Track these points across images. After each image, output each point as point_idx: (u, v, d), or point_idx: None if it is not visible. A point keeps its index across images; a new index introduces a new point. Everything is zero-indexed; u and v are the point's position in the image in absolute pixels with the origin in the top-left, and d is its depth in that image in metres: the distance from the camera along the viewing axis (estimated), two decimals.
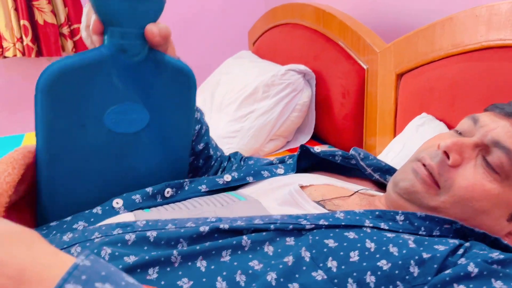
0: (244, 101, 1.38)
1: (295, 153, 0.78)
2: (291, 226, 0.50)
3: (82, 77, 0.50)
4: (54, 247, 0.34)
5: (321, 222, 0.51)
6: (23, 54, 1.88)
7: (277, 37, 1.68)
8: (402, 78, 1.08)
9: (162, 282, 0.43)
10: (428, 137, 0.83)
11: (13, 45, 1.86)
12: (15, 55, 1.87)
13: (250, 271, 0.46)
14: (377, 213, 0.54)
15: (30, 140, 1.68)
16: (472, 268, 0.46)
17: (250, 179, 0.68)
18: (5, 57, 1.89)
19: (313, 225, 0.50)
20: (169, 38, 0.55)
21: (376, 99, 1.18)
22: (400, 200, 0.60)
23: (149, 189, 0.58)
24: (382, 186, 0.77)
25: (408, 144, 0.90)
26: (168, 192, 0.60)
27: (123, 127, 0.55)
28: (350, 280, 0.46)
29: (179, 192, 0.61)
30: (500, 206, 0.58)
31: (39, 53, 1.91)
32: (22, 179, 0.51)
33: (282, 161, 0.77)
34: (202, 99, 1.58)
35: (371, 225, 0.52)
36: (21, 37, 1.85)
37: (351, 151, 0.75)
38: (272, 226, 0.49)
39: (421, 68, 1.01)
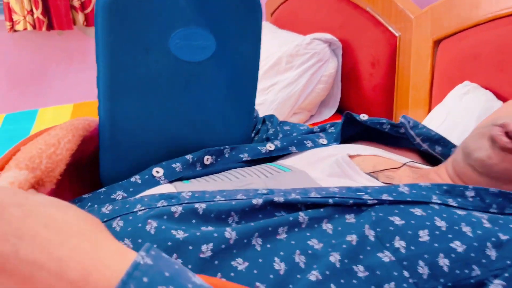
0: (266, 73, 1.32)
1: (338, 121, 0.72)
2: (351, 201, 0.45)
3: None
4: (119, 243, 0.30)
5: (384, 197, 0.46)
6: (34, 27, 1.82)
7: (297, 6, 1.61)
8: (439, 45, 1.01)
9: (216, 262, 0.38)
10: (475, 107, 0.77)
11: (23, 18, 1.80)
12: (25, 29, 1.82)
13: (310, 251, 0.41)
14: (445, 187, 0.49)
15: (44, 115, 1.64)
16: None
17: (292, 149, 0.63)
18: (15, 30, 1.84)
19: (376, 201, 0.45)
20: None
21: (409, 69, 1.12)
22: (473, 174, 0.54)
23: (189, 157, 0.53)
24: (428, 159, 0.72)
25: (453, 114, 0.84)
26: (208, 159, 0.55)
27: (188, 54, 0.50)
28: (421, 262, 0.41)
29: (219, 159, 0.56)
30: None
31: (50, 27, 1.85)
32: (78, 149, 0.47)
33: (323, 129, 0.72)
34: None
35: (439, 201, 0.47)
36: (32, 10, 1.79)
37: (401, 119, 0.70)
38: (330, 201, 0.44)
39: (463, 33, 0.94)
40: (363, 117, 0.69)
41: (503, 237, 0.43)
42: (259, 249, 0.40)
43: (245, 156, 0.58)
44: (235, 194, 0.45)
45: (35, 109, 1.71)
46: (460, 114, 0.82)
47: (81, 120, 0.49)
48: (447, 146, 0.70)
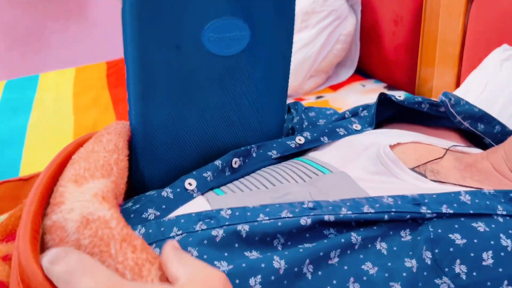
0: None
1: (371, 103, 0.66)
2: (408, 216, 0.40)
3: None
4: None
5: (444, 209, 0.41)
6: None
7: None
8: (473, 2, 0.93)
9: None
10: None
11: None
12: None
13: (365, 278, 0.37)
14: (511, 194, 0.44)
15: (45, 81, 1.58)
16: None
17: (324, 139, 0.57)
18: None
19: (434, 214, 0.41)
20: None
21: (436, 26, 1.03)
22: None
23: (217, 162, 0.48)
24: (468, 137, 0.66)
25: (492, 83, 0.77)
26: (236, 162, 0.50)
27: (223, 47, 0.45)
28: None
29: (246, 160, 0.51)
30: None
31: None
32: None
33: (355, 113, 0.66)
34: None
35: (504, 212, 0.42)
36: None
37: (440, 97, 0.64)
38: (386, 217, 0.40)
39: None
40: (399, 97, 0.63)
41: None
42: (310, 277, 0.36)
43: (273, 154, 0.53)
44: (279, 211, 0.40)
45: (35, 75, 1.64)
46: (501, 84, 0.76)
47: (124, 125, 0.45)
48: (491, 124, 0.64)
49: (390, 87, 1.23)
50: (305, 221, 0.39)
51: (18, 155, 1.12)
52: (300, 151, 0.56)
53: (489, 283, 0.38)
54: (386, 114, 0.65)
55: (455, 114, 0.62)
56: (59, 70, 1.66)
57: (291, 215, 0.39)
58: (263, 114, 0.53)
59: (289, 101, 1.19)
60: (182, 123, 0.46)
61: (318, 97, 1.22)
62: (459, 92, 0.83)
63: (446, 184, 0.49)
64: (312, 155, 0.55)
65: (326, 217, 0.39)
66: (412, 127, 0.64)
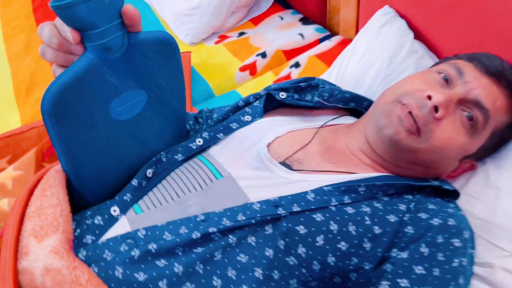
0: None
1: (261, 93, 0.80)
2: (269, 217, 0.59)
3: (79, 88, 0.52)
4: None
5: (294, 208, 0.60)
6: None
7: None
8: None
9: None
10: (389, 45, 0.86)
11: None
12: None
13: (238, 266, 0.57)
14: (342, 188, 0.63)
15: None
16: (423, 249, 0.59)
17: (220, 135, 0.73)
18: None
19: (288, 213, 0.60)
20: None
21: None
22: (383, 144, 0.68)
23: (134, 182, 0.64)
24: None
25: (370, 49, 0.91)
26: (150, 172, 0.66)
27: (127, 114, 0.60)
28: (315, 262, 0.58)
29: (158, 165, 0.67)
30: (461, 153, 0.69)
31: None
32: None
33: (247, 102, 0.80)
34: None
35: (336, 202, 0.61)
36: None
37: (318, 91, 0.78)
38: (253, 221, 0.58)
39: None
40: (282, 95, 0.78)
41: (377, 231, 0.60)
42: (201, 272, 0.56)
43: (179, 157, 0.69)
44: (178, 228, 0.58)
45: None
46: (376, 51, 0.90)
47: (60, 172, 0.61)
48: (360, 102, 0.82)
49: (304, 19, 1.33)
50: (195, 235, 0.57)
51: None
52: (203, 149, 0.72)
53: (319, 257, 0.59)
54: (273, 105, 0.80)
55: (329, 104, 0.79)
56: None
57: (187, 230, 0.58)
58: (167, 139, 0.68)
59: (214, 38, 1.31)
60: (104, 166, 0.62)
61: (241, 34, 1.31)
62: (346, 54, 0.97)
63: (307, 173, 0.67)
64: (211, 152, 0.71)
65: (210, 229, 0.57)
66: (297, 110, 0.80)
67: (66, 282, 0.51)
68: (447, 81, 0.68)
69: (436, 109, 0.64)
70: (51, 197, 0.58)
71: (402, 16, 0.94)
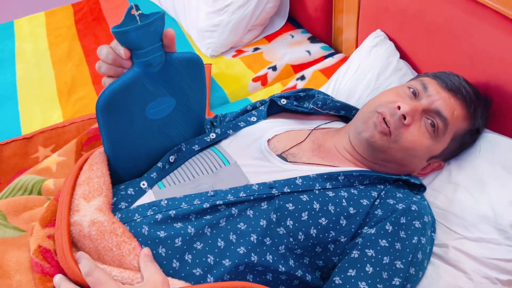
0: None
1: (266, 99, 0.97)
2: (264, 195, 0.75)
3: (126, 93, 0.70)
4: None
5: (285, 189, 0.75)
6: None
7: None
8: None
9: (185, 247, 0.70)
10: (378, 63, 1.02)
11: None
12: None
13: (238, 232, 0.72)
14: (325, 176, 0.79)
15: (20, 29, 1.76)
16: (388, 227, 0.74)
17: (230, 131, 0.89)
18: None
19: (280, 193, 0.75)
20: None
21: None
22: (362, 145, 0.83)
23: (159, 164, 0.80)
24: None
25: (362, 66, 1.07)
26: (172, 158, 0.82)
27: (158, 114, 0.77)
28: (300, 233, 0.73)
29: (179, 154, 0.84)
30: (426, 153, 0.84)
31: None
32: None
33: (254, 107, 0.97)
34: None
35: (319, 187, 0.77)
36: None
37: (311, 103, 0.94)
38: (252, 197, 0.74)
39: None
40: (283, 101, 0.94)
41: (352, 211, 0.75)
42: (208, 234, 0.72)
43: (196, 147, 0.85)
44: (193, 200, 0.73)
45: (10, 21, 1.82)
46: (367, 67, 1.06)
47: (103, 154, 0.78)
48: (349, 111, 0.97)
49: (312, 38, 1.49)
50: (206, 205, 0.73)
51: (15, 112, 1.39)
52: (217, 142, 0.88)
53: (303, 229, 0.74)
54: (276, 109, 0.96)
55: (322, 111, 0.94)
56: (30, 16, 1.83)
57: (199, 202, 0.73)
58: (188, 137, 0.86)
59: (231, 52, 1.49)
60: (136, 151, 0.79)
61: (255, 49, 1.49)
62: (343, 69, 1.12)
63: (299, 164, 0.83)
64: (221, 144, 0.87)
65: (217, 202, 0.73)
66: (295, 115, 0.96)
67: (107, 232, 0.67)
68: (415, 94, 0.83)
69: (404, 117, 0.80)
70: (97, 170, 0.75)
71: (390, 39, 1.10)
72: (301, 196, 0.76)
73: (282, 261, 0.73)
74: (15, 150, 1.22)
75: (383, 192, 0.80)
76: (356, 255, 0.73)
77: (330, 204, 0.75)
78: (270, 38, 1.52)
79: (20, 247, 0.71)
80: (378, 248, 0.73)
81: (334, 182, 0.79)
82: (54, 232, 0.69)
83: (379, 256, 0.73)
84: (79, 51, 1.61)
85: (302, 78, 1.30)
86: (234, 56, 1.47)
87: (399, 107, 0.80)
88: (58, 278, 0.64)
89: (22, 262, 0.68)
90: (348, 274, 0.72)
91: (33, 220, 0.79)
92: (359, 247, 0.73)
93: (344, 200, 0.76)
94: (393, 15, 1.07)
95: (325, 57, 1.40)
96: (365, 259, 0.72)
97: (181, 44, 1.56)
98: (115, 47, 0.68)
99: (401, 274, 0.72)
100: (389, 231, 0.74)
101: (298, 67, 1.38)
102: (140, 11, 0.66)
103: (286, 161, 0.83)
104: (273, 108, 0.96)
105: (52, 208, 0.74)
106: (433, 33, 0.97)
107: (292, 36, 1.51)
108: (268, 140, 0.86)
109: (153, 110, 0.75)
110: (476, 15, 0.88)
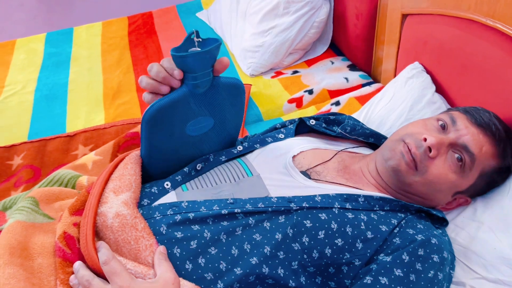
0: (266, 14, 1.50)
1: (296, 119, 0.99)
2: (282, 208, 0.76)
3: (171, 110, 0.75)
4: None
5: (304, 204, 0.76)
6: None
7: None
8: (406, 18, 1.18)
9: (199, 250, 0.72)
10: (412, 95, 1.02)
11: None
12: None
13: (253, 242, 0.73)
14: (344, 196, 0.79)
15: (78, 36, 1.88)
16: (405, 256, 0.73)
17: (257, 146, 0.91)
18: None
19: (298, 207, 0.76)
20: None
21: (384, 29, 1.29)
22: (387, 173, 0.83)
23: (186, 169, 0.83)
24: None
25: (397, 96, 1.08)
26: (199, 166, 0.85)
27: (197, 132, 0.82)
28: (315, 251, 0.74)
29: (206, 163, 0.87)
30: (451, 188, 0.83)
31: None
32: None
33: (283, 125, 0.99)
34: (228, 2, 1.68)
35: (338, 206, 0.77)
36: None
37: (343, 125, 0.95)
38: (269, 209, 0.75)
39: (424, 16, 1.11)
40: (312, 122, 0.96)
41: (369, 235, 0.75)
42: (224, 241, 0.73)
43: (223, 158, 0.88)
44: (213, 205, 0.76)
45: (70, 28, 1.95)
46: (401, 98, 1.06)
47: (138, 156, 0.83)
48: (378, 138, 0.97)
49: (352, 66, 1.51)
50: (224, 211, 0.75)
51: (63, 111, 1.48)
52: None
53: (319, 247, 0.74)
54: (305, 129, 0.98)
55: (350, 137, 0.95)
56: (89, 24, 1.95)
57: (218, 208, 0.76)
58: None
59: (271, 73, 1.53)
60: (169, 159, 0.84)
61: (294, 72, 1.52)
62: (377, 97, 1.13)
63: (322, 182, 0.84)
64: (247, 157, 0.89)
65: (236, 210, 0.75)
66: (323, 137, 0.97)
67: (128, 225, 0.70)
68: (443, 127, 0.83)
69: (430, 149, 0.79)
70: (130, 169, 0.79)
71: (428, 72, 1.10)
72: (320, 215, 0.76)
73: (293, 277, 0.73)
74: (58, 146, 1.29)
75: (404, 221, 0.79)
76: (369, 281, 0.72)
77: (348, 225, 0.76)
78: (310, 62, 1.55)
79: (46, 233, 0.76)
80: (392, 277, 0.72)
81: (354, 203, 0.79)
82: (81, 220, 0.74)
83: (392, 285, 0.72)
84: (128, 59, 1.70)
85: (337, 103, 1.31)
86: (273, 77, 1.51)
87: (425, 139, 0.80)
88: (77, 264, 0.68)
89: (46, 246, 0.73)
90: None
91: (63, 210, 0.84)
92: (373, 273, 0.73)
93: (362, 224, 0.76)
94: (432, 49, 1.08)
95: (363, 85, 1.41)
96: (378, 286, 0.71)
97: None
98: (169, 67, 0.73)
99: None
100: (405, 261, 0.73)
101: (335, 93, 1.40)
102: (200, 39, 0.71)
103: (309, 178, 0.84)
104: (301, 128, 0.98)
105: (82, 198, 0.78)
106: (469, 69, 0.96)
107: (332, 63, 1.53)
108: (294, 156, 0.87)
109: (193, 127, 0.80)
110: None
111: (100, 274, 0.67)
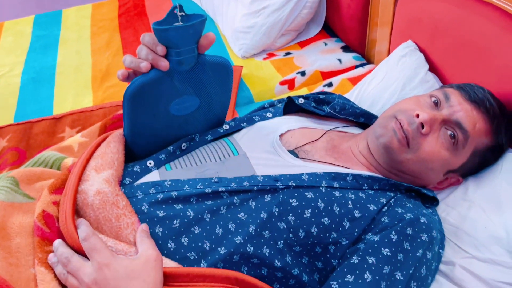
0: None
1: (285, 98, 0.96)
2: (268, 187, 0.74)
3: (154, 87, 0.72)
4: None
5: (290, 183, 0.74)
6: None
7: None
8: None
9: (182, 229, 0.70)
10: (405, 74, 1.00)
11: None
12: None
13: (238, 221, 0.71)
14: (333, 175, 0.77)
15: (67, 18, 1.85)
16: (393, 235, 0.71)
17: (244, 124, 0.89)
18: None
19: (285, 186, 0.74)
20: None
21: (377, 10, 1.26)
22: (379, 150, 0.81)
23: (170, 148, 0.81)
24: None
25: (389, 75, 1.05)
26: (184, 146, 0.83)
27: (182, 111, 0.79)
28: (301, 230, 0.72)
29: (191, 143, 0.84)
30: (444, 166, 0.80)
31: None
32: None
33: (272, 104, 0.97)
34: None
35: (326, 185, 0.75)
36: None
37: (333, 103, 0.93)
38: (255, 188, 0.73)
39: None
40: (301, 101, 0.93)
41: (357, 214, 0.73)
42: (208, 220, 0.71)
43: (209, 137, 0.85)
44: (196, 184, 0.74)
45: (59, 10, 1.91)
46: (393, 77, 1.03)
47: (121, 134, 0.81)
48: (369, 118, 0.95)
49: (346, 47, 1.48)
50: (208, 190, 0.73)
51: (50, 94, 1.45)
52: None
53: (305, 226, 0.72)
54: (294, 108, 0.95)
55: (340, 116, 0.93)
56: (78, 7, 1.91)
57: (202, 187, 0.74)
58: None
59: (263, 55, 1.49)
60: (153, 139, 0.81)
61: (287, 54, 1.49)
62: (368, 78, 1.11)
63: (310, 161, 0.82)
64: (234, 136, 0.87)
65: (220, 189, 0.73)
66: (313, 116, 0.95)
67: (109, 203, 0.68)
68: (436, 104, 0.81)
69: (422, 125, 0.77)
70: (113, 148, 0.77)
71: (421, 50, 1.07)
72: (306, 193, 0.74)
73: (279, 256, 0.71)
74: (44, 128, 1.27)
75: (393, 200, 0.77)
76: (356, 261, 0.70)
77: (335, 204, 0.74)
78: (303, 44, 1.52)
79: (25, 213, 0.74)
80: (380, 256, 0.70)
81: (342, 182, 0.77)
82: (61, 198, 0.71)
83: (380, 265, 0.70)
84: (118, 42, 1.66)
85: (330, 85, 1.29)
86: (265, 58, 1.47)
87: (417, 115, 0.77)
88: (57, 242, 0.66)
89: (24, 226, 0.70)
90: (346, 279, 0.70)
91: (44, 189, 0.82)
92: (360, 253, 0.71)
93: (350, 202, 0.74)
94: (425, 27, 1.05)
95: (356, 66, 1.38)
96: (365, 266, 0.70)
97: (215, 44, 1.58)
98: (151, 42, 0.69)
99: (399, 287, 0.69)
100: (394, 240, 0.71)
101: (327, 74, 1.37)
102: (183, 13, 0.68)
103: (297, 157, 0.82)
104: (291, 108, 0.95)
105: (63, 177, 0.76)
106: (465, 46, 0.94)
107: (326, 44, 1.50)
108: (281, 135, 0.85)
109: (177, 106, 0.77)
110: (509, 29, 0.84)
111: (80, 253, 0.65)
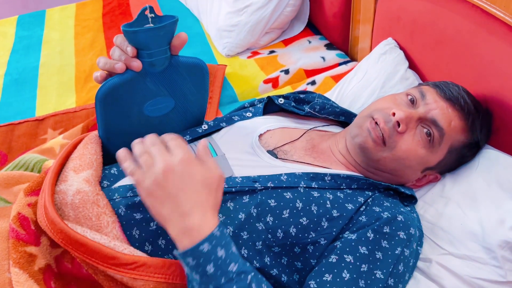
0: None
1: (264, 97, 0.96)
2: (247, 188, 0.74)
3: (126, 88, 0.72)
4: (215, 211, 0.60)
5: (269, 184, 0.74)
6: None
7: None
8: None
9: (159, 231, 0.70)
10: (385, 71, 1.00)
11: None
12: None
13: None
14: (311, 175, 0.77)
15: (51, 18, 1.83)
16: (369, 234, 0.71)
17: (223, 124, 0.89)
18: None
19: (263, 187, 0.74)
20: None
21: (359, 7, 1.26)
22: (355, 150, 0.81)
23: None
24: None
25: (369, 73, 1.05)
26: None
27: (156, 112, 0.78)
28: (279, 230, 0.72)
29: None
30: (421, 164, 0.81)
31: None
32: None
33: (252, 104, 0.96)
34: None
35: (304, 185, 0.75)
36: None
37: (313, 103, 0.93)
38: (233, 189, 0.73)
39: None
40: (281, 101, 0.93)
41: (335, 214, 0.73)
42: None
43: (187, 138, 0.85)
44: None
45: (43, 10, 1.89)
46: (374, 74, 1.04)
47: (97, 136, 0.80)
48: (349, 117, 0.95)
49: (329, 45, 1.48)
50: None
51: (33, 95, 1.44)
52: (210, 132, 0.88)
53: (283, 226, 0.72)
54: (274, 108, 0.95)
55: (320, 116, 0.93)
56: (62, 6, 1.90)
57: None
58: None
59: (247, 53, 1.49)
60: (128, 140, 0.79)
61: (271, 52, 1.49)
62: (350, 76, 1.11)
63: (289, 162, 0.82)
64: (213, 136, 0.87)
65: None
66: (293, 116, 0.95)
67: (89, 202, 0.68)
68: (412, 102, 0.81)
69: (398, 124, 0.77)
70: (91, 149, 0.77)
71: (401, 48, 1.07)
72: (285, 193, 0.74)
73: (257, 257, 0.71)
74: (26, 130, 1.26)
75: (370, 199, 0.77)
76: (334, 260, 0.71)
77: (313, 204, 0.74)
78: (287, 42, 1.52)
79: (2, 217, 0.73)
80: (357, 254, 0.71)
81: (320, 182, 0.77)
82: (38, 198, 0.71)
83: (357, 263, 0.70)
84: (102, 42, 1.65)
85: (313, 83, 1.29)
86: (249, 57, 1.47)
87: (394, 114, 0.78)
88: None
89: (1, 231, 0.70)
90: (324, 278, 0.70)
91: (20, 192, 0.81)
92: (338, 251, 0.71)
93: (328, 202, 0.74)
94: (405, 25, 1.05)
95: (339, 64, 1.38)
96: (343, 264, 0.70)
97: (200, 43, 1.58)
98: (122, 43, 0.69)
99: (380, 285, 0.69)
100: (370, 238, 0.72)
101: (311, 72, 1.37)
102: (153, 14, 0.68)
103: (276, 157, 0.82)
104: (271, 107, 0.95)
105: (39, 179, 0.76)
106: (442, 44, 0.94)
107: (310, 42, 1.50)
108: (261, 135, 0.85)
109: (151, 107, 0.77)
110: (485, 26, 0.85)
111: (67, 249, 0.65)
